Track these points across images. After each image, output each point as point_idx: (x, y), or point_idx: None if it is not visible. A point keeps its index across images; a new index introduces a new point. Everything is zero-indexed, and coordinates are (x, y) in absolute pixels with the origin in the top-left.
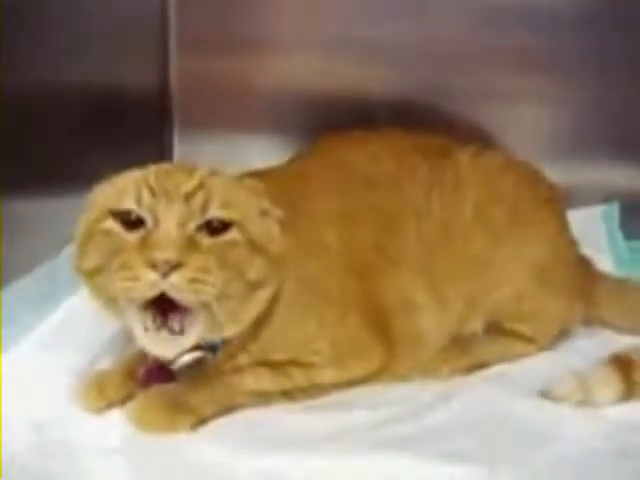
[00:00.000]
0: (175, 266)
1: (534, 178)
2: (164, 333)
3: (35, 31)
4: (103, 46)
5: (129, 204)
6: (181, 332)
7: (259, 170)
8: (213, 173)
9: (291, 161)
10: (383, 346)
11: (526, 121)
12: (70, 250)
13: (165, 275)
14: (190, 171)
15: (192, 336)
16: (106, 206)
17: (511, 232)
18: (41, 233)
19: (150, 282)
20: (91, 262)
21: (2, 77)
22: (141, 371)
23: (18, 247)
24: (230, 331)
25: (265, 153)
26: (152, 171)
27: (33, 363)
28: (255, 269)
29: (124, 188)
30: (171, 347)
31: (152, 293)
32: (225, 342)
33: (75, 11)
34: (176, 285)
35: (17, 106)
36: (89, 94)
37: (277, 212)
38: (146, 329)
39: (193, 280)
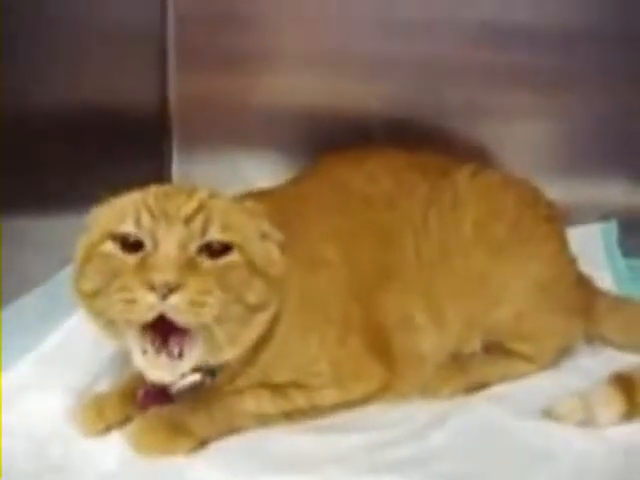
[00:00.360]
0: (174, 288)
1: (533, 196)
2: (163, 357)
3: (34, 49)
4: (102, 64)
5: (128, 227)
6: (180, 356)
7: (258, 191)
8: (213, 195)
9: (290, 182)
10: (383, 366)
11: (524, 138)
12: (69, 270)
13: (164, 297)
14: (190, 193)
15: (191, 360)
16: (105, 228)
17: (511, 250)
18: (40, 252)
19: (149, 304)
20: (90, 284)
21: (1, 96)
22: (140, 393)
23: (17, 266)
24: (229, 354)
25: (264, 170)
26: (151, 193)
27: (31, 384)
28: (255, 292)
29: (123, 210)
30: (169, 371)
31: (151, 315)
32: (224, 365)
33: (74, 29)
34: (175, 307)
35: (16, 124)
36: (88, 112)
37: (277, 235)
38: (144, 352)
39: (192, 302)
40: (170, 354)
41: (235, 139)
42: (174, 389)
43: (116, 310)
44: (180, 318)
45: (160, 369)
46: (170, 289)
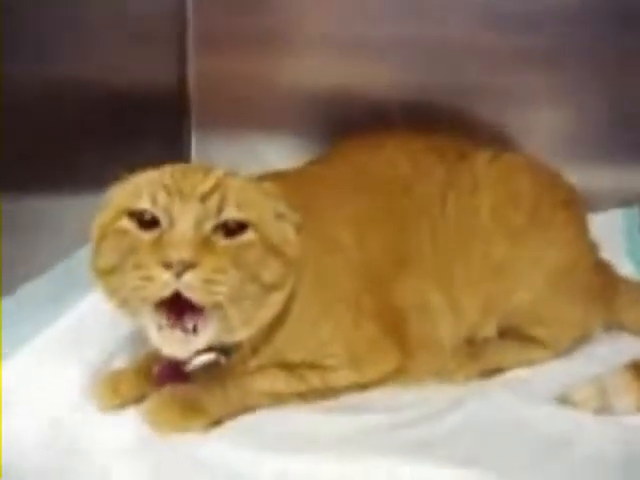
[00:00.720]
0: (189, 266)
1: (553, 180)
2: (177, 332)
3: (50, 29)
4: (120, 45)
5: (144, 204)
6: (194, 332)
7: (276, 172)
8: (229, 174)
9: (307, 165)
10: (398, 348)
11: (544, 122)
12: (84, 251)
13: (179, 275)
14: (206, 172)
15: (205, 336)
16: (122, 206)
17: (529, 235)
18: (55, 234)
19: (163, 282)
20: (106, 261)
21: (17, 78)
22: (155, 370)
23: (32, 247)
24: (243, 333)
25: (282, 152)
26: (168, 171)
27: (48, 361)
28: (270, 271)
29: (140, 188)
30: (184, 347)
31: (165, 293)
32: (239, 344)
33: (92, 10)
34: (190, 285)
35: (30, 106)
36: (106, 93)
37: (294, 216)
38: (160, 328)
39: (207, 280)
40: (185, 329)
41: (253, 121)
42: (189, 367)
43: (131, 287)
44: (194, 296)
45: (175, 344)
46: (185, 267)
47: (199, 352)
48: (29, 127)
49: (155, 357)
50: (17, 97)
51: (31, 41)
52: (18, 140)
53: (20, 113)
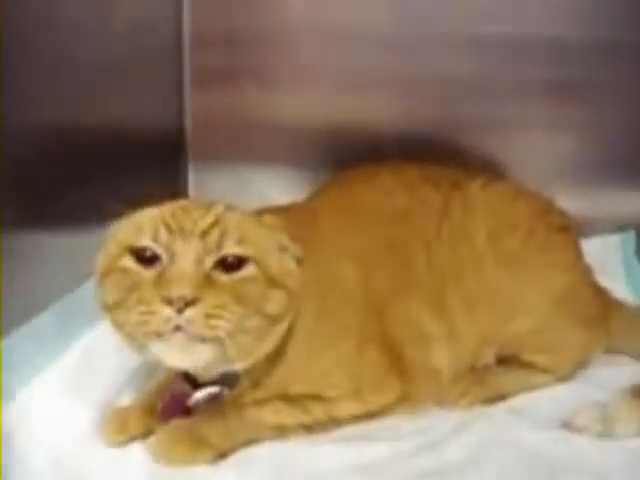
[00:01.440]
0: (190, 302)
1: (546, 207)
2: (181, 339)
3: (48, 65)
4: (118, 81)
5: (146, 241)
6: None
7: (274, 207)
8: (230, 209)
9: (305, 199)
10: (399, 377)
11: (539, 150)
12: (89, 285)
13: (180, 311)
14: (207, 208)
15: (208, 347)
16: (124, 242)
17: (525, 262)
18: (58, 268)
19: (165, 317)
20: (110, 297)
21: (18, 114)
22: (160, 406)
23: (36, 282)
24: (243, 364)
25: (279, 186)
26: (169, 208)
27: (54, 397)
28: (273, 303)
29: (141, 225)
30: (187, 355)
31: (167, 328)
32: (242, 377)
33: (89, 46)
34: (191, 320)
35: (33, 140)
36: (105, 130)
37: (295, 249)
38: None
39: (208, 315)
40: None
41: (250, 155)
42: (192, 401)
43: (135, 322)
44: (195, 331)
45: (177, 352)
46: (186, 303)
47: (202, 385)
48: (28, 163)
49: (161, 392)
50: (16, 135)
51: (29, 79)
52: (18, 175)
53: (19, 148)
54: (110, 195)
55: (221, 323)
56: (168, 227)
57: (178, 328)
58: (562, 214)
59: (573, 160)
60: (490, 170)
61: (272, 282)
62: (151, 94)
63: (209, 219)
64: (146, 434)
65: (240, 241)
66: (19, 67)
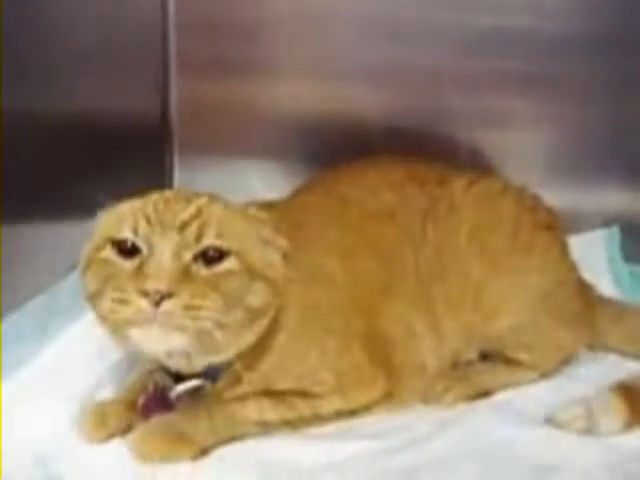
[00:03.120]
0: (166, 295)
1: (532, 204)
2: (155, 325)
3: (33, 57)
4: (103, 72)
5: (126, 233)
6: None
7: (260, 201)
8: (212, 201)
9: (292, 195)
10: (384, 374)
11: (524, 145)
12: (71, 278)
13: (156, 304)
14: (189, 199)
15: (185, 336)
16: (105, 234)
17: (510, 259)
18: (42, 260)
19: (139, 308)
20: (90, 287)
21: (2, 106)
22: (140, 400)
23: (19, 273)
24: (221, 357)
25: (266, 179)
26: (151, 200)
27: (33, 391)
28: (255, 295)
29: (123, 217)
30: (165, 341)
31: (140, 317)
32: (225, 370)
33: (74, 37)
34: (168, 312)
35: (17, 133)
36: (90, 120)
37: (281, 241)
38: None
39: (187, 307)
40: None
41: (236, 148)
42: (174, 394)
43: (107, 309)
44: (173, 322)
45: (155, 339)
46: (162, 296)
47: (184, 378)
48: (9, 156)
49: (142, 387)
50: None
51: (15, 75)
52: (4, 168)
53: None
54: (95, 187)
55: (202, 313)
56: (148, 219)
57: (153, 319)
58: (548, 211)
59: (557, 156)
60: (476, 165)
61: (254, 275)
62: (136, 86)
63: (190, 211)
64: (126, 429)
65: (220, 234)
66: (4, 63)
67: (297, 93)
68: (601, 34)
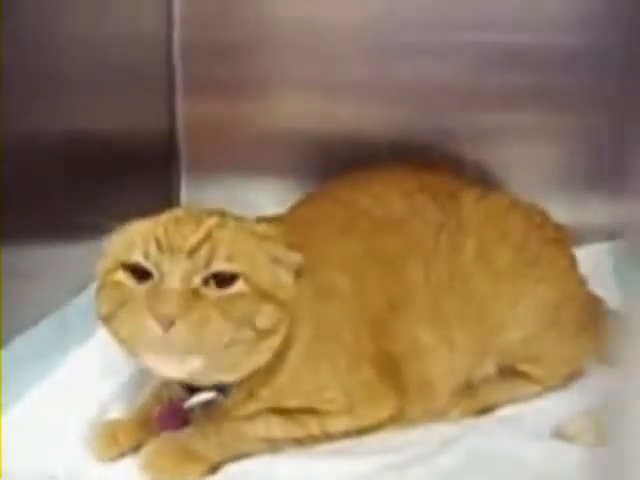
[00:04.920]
0: (174, 319)
1: (540, 219)
2: (167, 350)
3: (39, 78)
4: (109, 91)
5: (137, 257)
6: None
7: (265, 216)
8: (222, 221)
9: (297, 205)
10: (395, 392)
11: (529, 160)
12: (80, 299)
13: (165, 329)
14: (199, 220)
15: (196, 360)
16: (117, 257)
17: (518, 273)
18: (50, 281)
19: (153, 334)
20: (104, 309)
21: (8, 124)
22: (155, 413)
23: (27, 295)
24: (234, 377)
25: (272, 195)
26: (162, 222)
27: (44, 413)
28: (264, 317)
29: (134, 240)
30: (176, 367)
31: (155, 343)
32: (237, 386)
33: (79, 58)
34: (175, 338)
35: (22, 153)
36: (96, 140)
37: (293, 258)
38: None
39: (192, 331)
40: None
41: (243, 166)
42: (188, 405)
43: (125, 335)
44: (180, 346)
45: (168, 364)
46: (170, 321)
47: (198, 390)
48: (19, 177)
49: (152, 405)
50: (5, 149)
51: (18, 93)
52: (9, 189)
53: (8, 162)
54: (104, 208)
55: (206, 337)
56: (158, 243)
57: (165, 344)
58: (556, 226)
59: (562, 168)
60: (481, 180)
61: (263, 296)
62: (142, 105)
63: (199, 235)
64: (137, 447)
65: (230, 257)
66: (10, 82)
67: (302, 110)
68: (607, 46)
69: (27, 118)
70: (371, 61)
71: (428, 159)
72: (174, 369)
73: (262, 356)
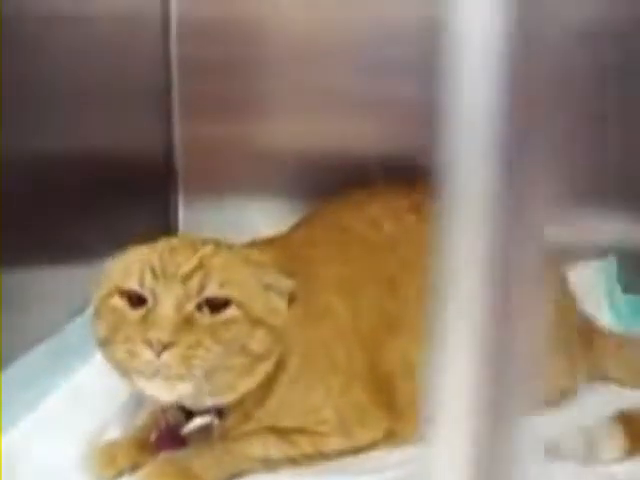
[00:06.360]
0: (167, 346)
1: None
2: (160, 375)
3: (36, 99)
4: (106, 112)
5: (132, 284)
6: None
7: (262, 239)
8: (216, 250)
9: (291, 229)
10: (388, 412)
11: None
12: (77, 322)
13: (158, 355)
14: (194, 249)
15: (188, 384)
16: (113, 283)
17: None
18: (46, 305)
19: (146, 360)
20: (100, 334)
21: (3, 146)
22: (153, 437)
23: (23, 319)
24: (223, 399)
25: (269, 215)
26: (157, 250)
27: (41, 434)
28: (257, 342)
29: (130, 267)
30: (168, 392)
31: (148, 368)
32: (232, 408)
33: (76, 78)
34: (168, 364)
35: (17, 175)
36: (92, 161)
37: (285, 283)
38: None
39: (183, 357)
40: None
41: (240, 187)
42: (185, 430)
43: (119, 359)
44: (172, 372)
45: (161, 388)
46: (163, 347)
47: (194, 414)
48: (15, 200)
49: (150, 426)
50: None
51: (16, 115)
52: (5, 213)
53: (4, 184)
54: (98, 230)
55: (196, 362)
56: (153, 271)
57: (157, 369)
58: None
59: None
60: None
61: (255, 322)
62: (139, 126)
63: (193, 262)
64: (135, 468)
65: (222, 284)
66: (2, 99)
67: (299, 130)
68: (601, 64)
69: (22, 140)
70: (370, 81)
71: (419, 176)
72: (165, 393)
73: (253, 379)
